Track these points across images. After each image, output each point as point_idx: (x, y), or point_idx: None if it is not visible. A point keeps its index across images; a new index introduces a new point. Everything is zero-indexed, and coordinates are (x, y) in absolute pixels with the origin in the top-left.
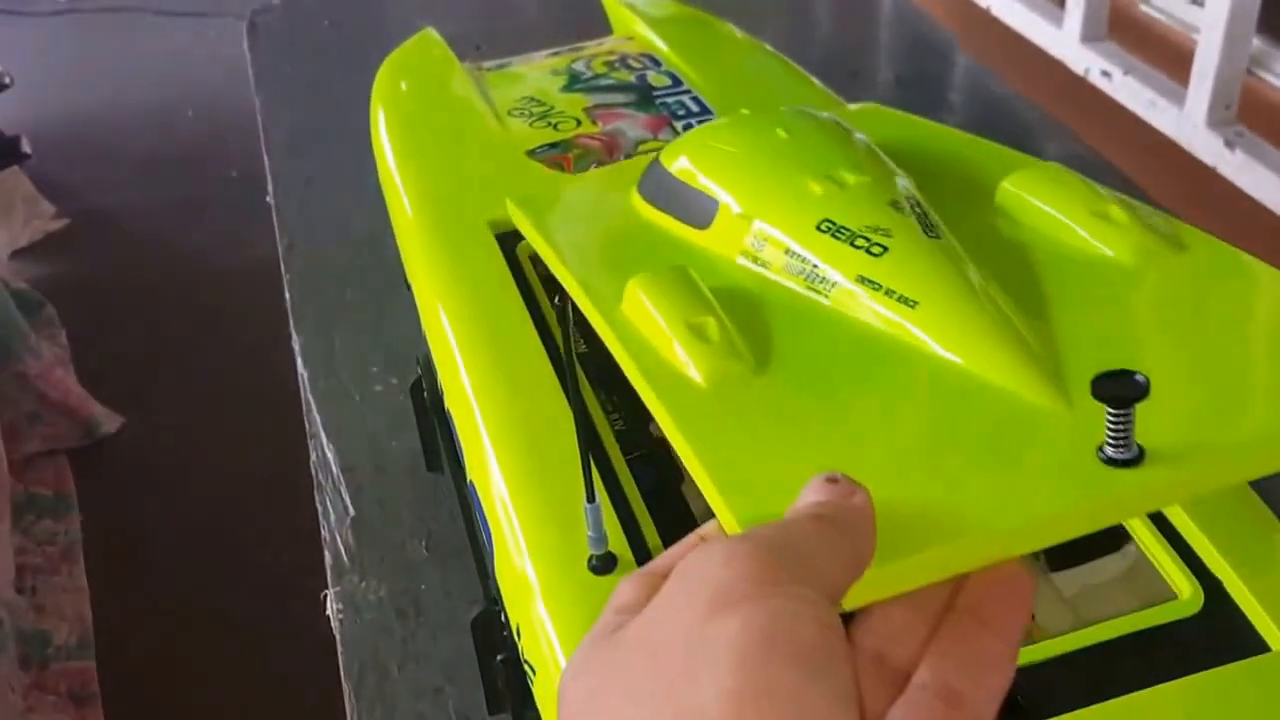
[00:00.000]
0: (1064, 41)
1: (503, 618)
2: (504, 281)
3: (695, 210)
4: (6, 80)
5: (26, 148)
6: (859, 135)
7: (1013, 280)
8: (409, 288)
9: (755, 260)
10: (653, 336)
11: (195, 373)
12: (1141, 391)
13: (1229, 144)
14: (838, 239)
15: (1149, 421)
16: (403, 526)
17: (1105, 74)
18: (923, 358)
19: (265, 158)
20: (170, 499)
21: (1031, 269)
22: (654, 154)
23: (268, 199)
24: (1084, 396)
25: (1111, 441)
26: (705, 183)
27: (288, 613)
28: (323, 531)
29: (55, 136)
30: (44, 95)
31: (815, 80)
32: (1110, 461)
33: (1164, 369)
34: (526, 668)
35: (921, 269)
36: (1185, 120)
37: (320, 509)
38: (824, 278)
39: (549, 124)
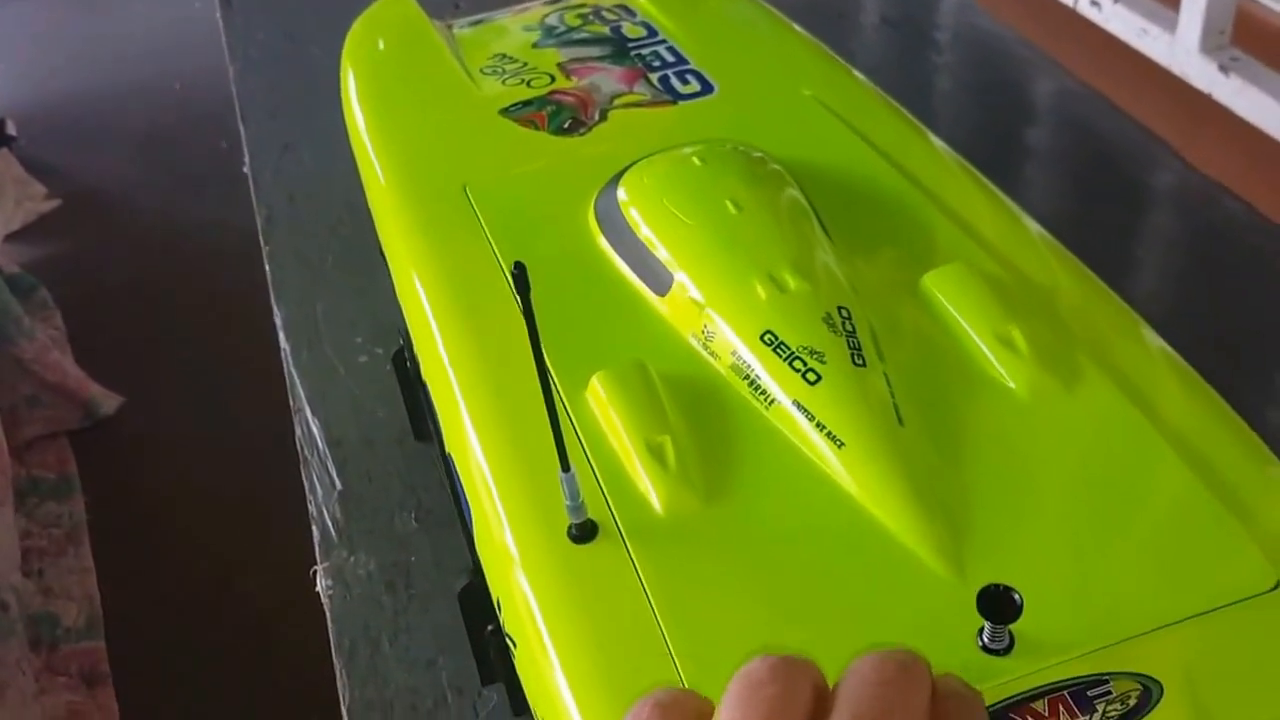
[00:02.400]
0: None
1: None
2: (481, 248)
3: (649, 271)
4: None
5: (12, 130)
6: (801, 200)
7: (926, 407)
8: (383, 256)
9: (706, 348)
10: (615, 440)
11: (193, 349)
12: (1016, 613)
13: (1223, 69)
14: (778, 355)
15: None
16: (391, 498)
17: (1094, 4)
18: (846, 502)
19: (240, 126)
20: (172, 476)
21: (942, 391)
22: (613, 177)
23: (244, 169)
24: (974, 567)
25: (990, 637)
26: (660, 248)
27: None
28: (310, 507)
29: (44, 118)
30: (31, 78)
31: (796, 26)
32: (985, 649)
33: (1037, 550)
34: (508, 641)
35: (849, 408)
36: (1178, 46)
37: (307, 484)
38: (765, 390)
39: (522, 81)
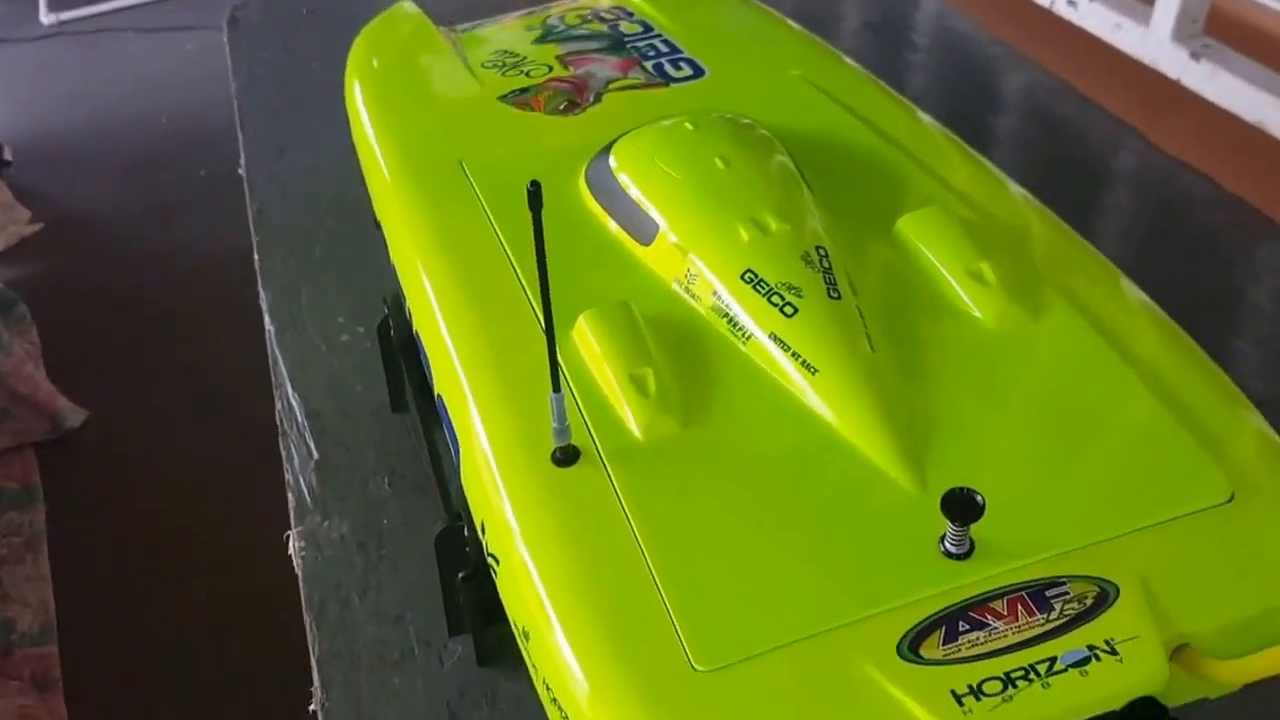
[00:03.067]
0: None
1: (465, 533)
2: (472, 207)
3: (638, 226)
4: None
5: (8, 155)
6: (785, 161)
7: (897, 336)
8: (378, 226)
9: (688, 291)
10: (599, 375)
11: (165, 369)
12: (978, 513)
13: (1195, 55)
14: (757, 292)
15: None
16: (366, 466)
17: (1071, 3)
18: (819, 424)
19: (239, 132)
20: (135, 491)
21: (913, 322)
22: (603, 138)
23: (239, 170)
24: (938, 479)
25: (952, 540)
26: (648, 203)
27: (250, 603)
28: (286, 475)
29: (33, 148)
30: (27, 113)
31: (788, 21)
32: (948, 554)
33: (1001, 462)
34: (491, 561)
35: (823, 337)
36: (1150, 37)
37: (284, 454)
38: (743, 327)
39: (521, 72)
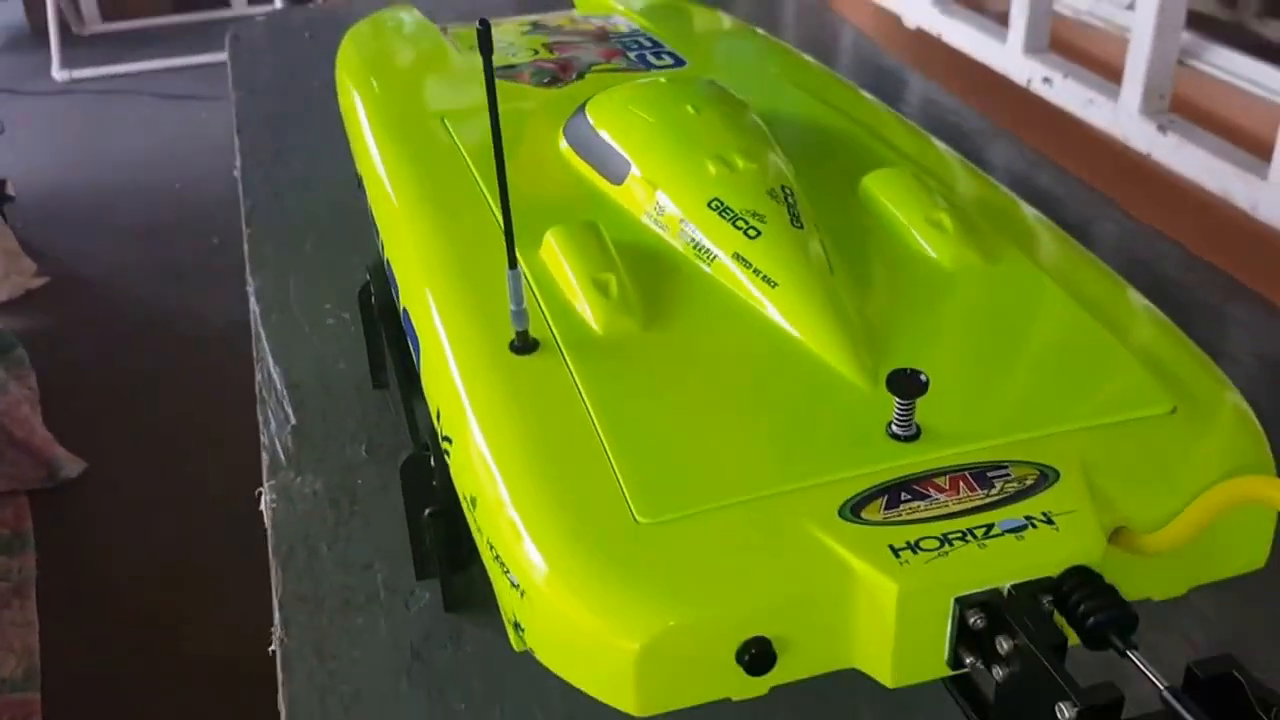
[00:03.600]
0: (1008, 55)
1: (431, 462)
2: (451, 153)
3: (610, 167)
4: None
5: (11, 191)
6: (756, 119)
7: (856, 269)
8: (361, 187)
9: (657, 222)
10: (563, 283)
11: (161, 425)
12: (922, 389)
13: (1162, 129)
14: (723, 218)
15: (931, 407)
16: (344, 433)
17: (1046, 80)
18: (775, 331)
19: (235, 137)
20: (126, 543)
21: (873, 261)
22: (583, 100)
23: (235, 173)
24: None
25: (897, 422)
26: (620, 145)
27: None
28: (262, 438)
29: (45, 206)
30: (36, 166)
31: (788, 46)
32: (894, 436)
33: (950, 365)
34: (445, 443)
35: (785, 256)
36: (1120, 112)
37: (261, 419)
38: (708, 249)
39: (508, 54)
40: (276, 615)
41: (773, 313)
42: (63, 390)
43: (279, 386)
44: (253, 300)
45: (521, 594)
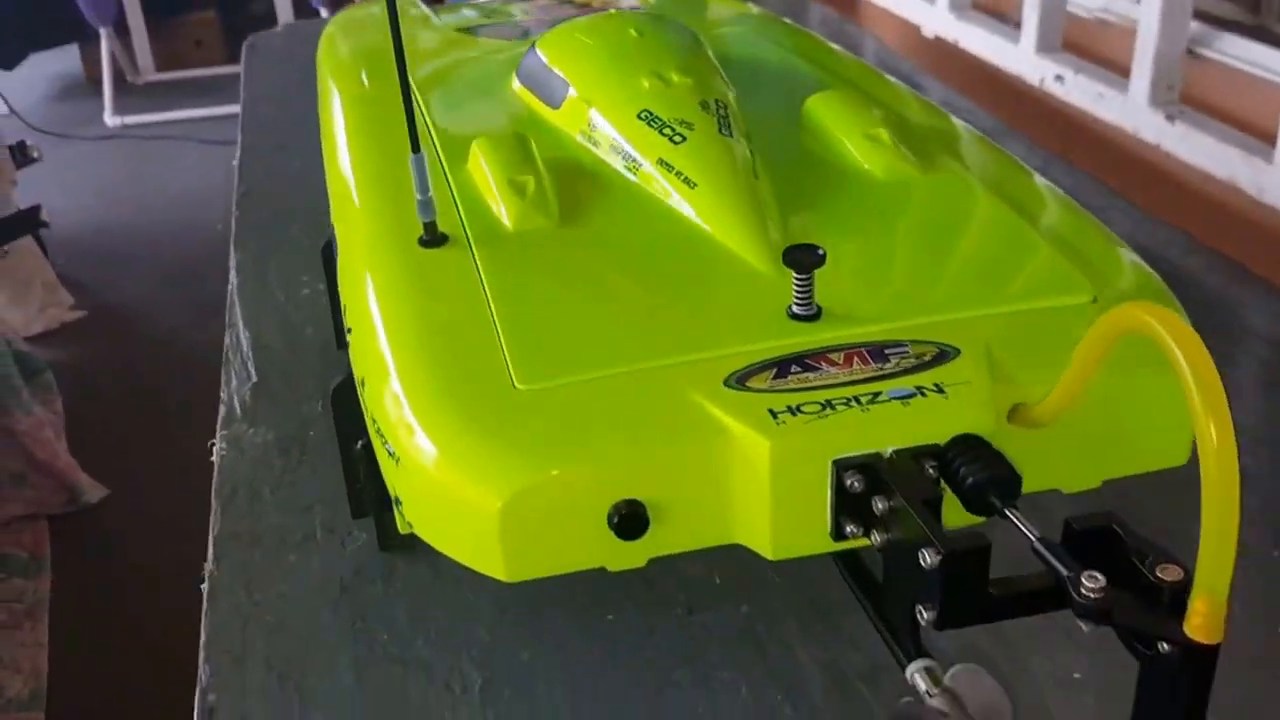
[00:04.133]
0: (1021, 55)
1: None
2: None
3: (551, 91)
4: (35, 155)
5: (45, 217)
6: (704, 48)
7: (789, 179)
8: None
9: (590, 139)
10: (483, 187)
11: (189, 463)
12: (818, 261)
13: (1170, 118)
14: (650, 127)
15: (838, 293)
16: (302, 391)
17: (1059, 78)
18: (690, 228)
19: (239, 134)
20: (144, 574)
21: (807, 172)
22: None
23: (234, 163)
24: None
25: (797, 300)
26: (562, 71)
27: None
28: (221, 394)
29: (86, 242)
30: (83, 207)
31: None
32: (794, 316)
33: (865, 256)
34: (348, 334)
35: (706, 159)
36: (1130, 104)
37: (224, 378)
38: (635, 159)
39: (484, 15)
40: (210, 551)
41: (690, 212)
42: (90, 419)
43: (245, 349)
44: (232, 273)
45: (397, 461)
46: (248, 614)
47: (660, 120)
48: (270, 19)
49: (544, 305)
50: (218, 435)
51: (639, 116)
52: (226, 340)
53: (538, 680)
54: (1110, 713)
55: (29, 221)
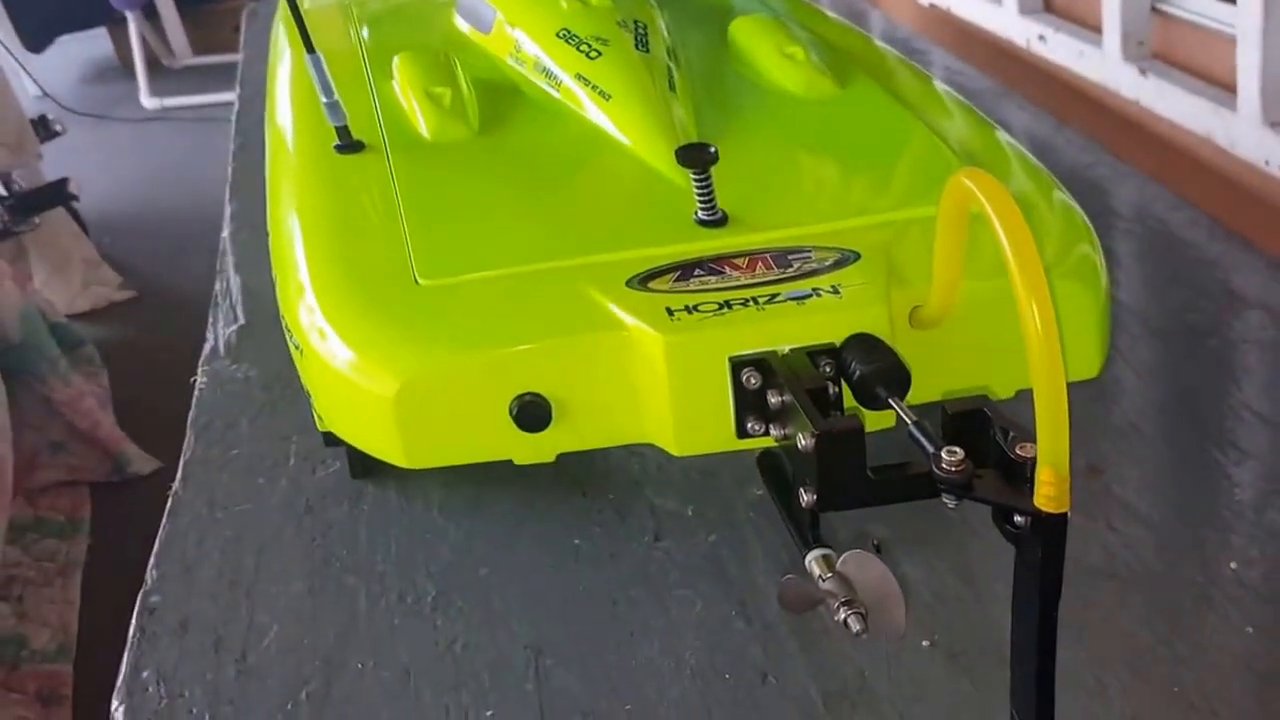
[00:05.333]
0: (1006, 17)
1: None
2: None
3: (482, 19)
4: (59, 129)
5: (74, 189)
6: None
7: (706, 94)
8: None
9: (518, 60)
10: (405, 100)
11: None
12: (711, 159)
13: (1143, 71)
14: (569, 44)
15: (746, 201)
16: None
17: (1041, 38)
18: (605, 139)
19: (237, 88)
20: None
21: (725, 89)
22: None
23: (230, 117)
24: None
25: (700, 203)
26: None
27: None
28: (208, 337)
29: (131, 223)
30: (123, 188)
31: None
32: (701, 222)
33: (773, 165)
34: (267, 238)
35: (621, 73)
36: (1106, 60)
37: (211, 319)
38: (555, 75)
39: None
40: (179, 473)
41: (605, 124)
42: (142, 398)
43: (234, 293)
44: (226, 222)
45: (301, 353)
46: (205, 528)
47: (578, 38)
48: None
49: (454, 209)
50: (199, 371)
51: (558, 35)
52: (217, 286)
53: (492, 594)
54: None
55: (58, 193)
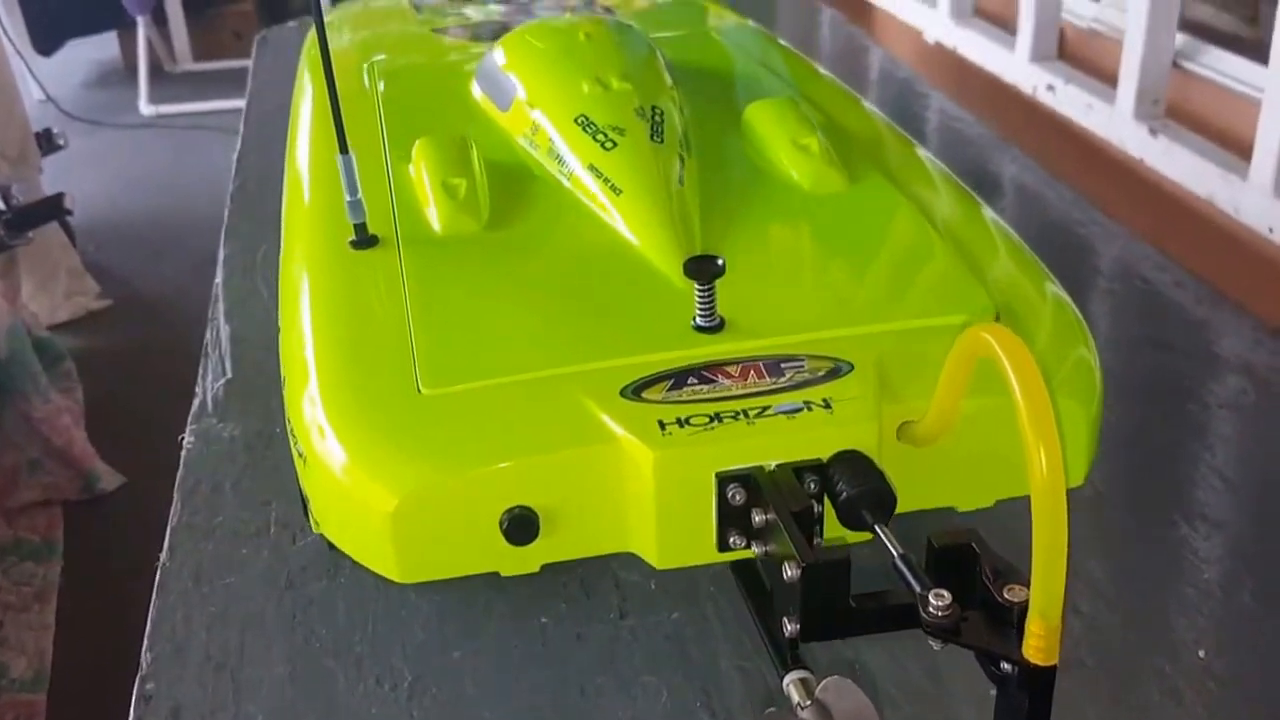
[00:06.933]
0: (1015, 63)
1: None
2: (363, 96)
3: (502, 94)
4: (61, 142)
5: (70, 205)
6: (655, 52)
7: (715, 186)
8: None
9: (531, 142)
10: (420, 189)
11: None
12: (717, 272)
13: (1153, 132)
14: (585, 132)
15: (746, 306)
16: (275, 386)
17: (1050, 87)
18: (611, 235)
19: (241, 126)
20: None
21: (735, 180)
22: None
23: (233, 156)
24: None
25: (700, 311)
26: (513, 73)
27: None
28: (196, 390)
29: (118, 230)
30: (114, 194)
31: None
32: (698, 328)
33: (775, 269)
34: (279, 332)
35: (633, 167)
36: (1116, 116)
37: (200, 372)
38: (569, 163)
39: (461, 15)
40: (166, 541)
41: (614, 218)
42: (110, 408)
43: (224, 343)
44: (219, 267)
45: (304, 460)
46: (192, 604)
47: (595, 126)
48: (307, 12)
49: (459, 310)
50: (187, 430)
51: (575, 121)
52: (207, 335)
53: (465, 679)
54: None
55: (54, 209)
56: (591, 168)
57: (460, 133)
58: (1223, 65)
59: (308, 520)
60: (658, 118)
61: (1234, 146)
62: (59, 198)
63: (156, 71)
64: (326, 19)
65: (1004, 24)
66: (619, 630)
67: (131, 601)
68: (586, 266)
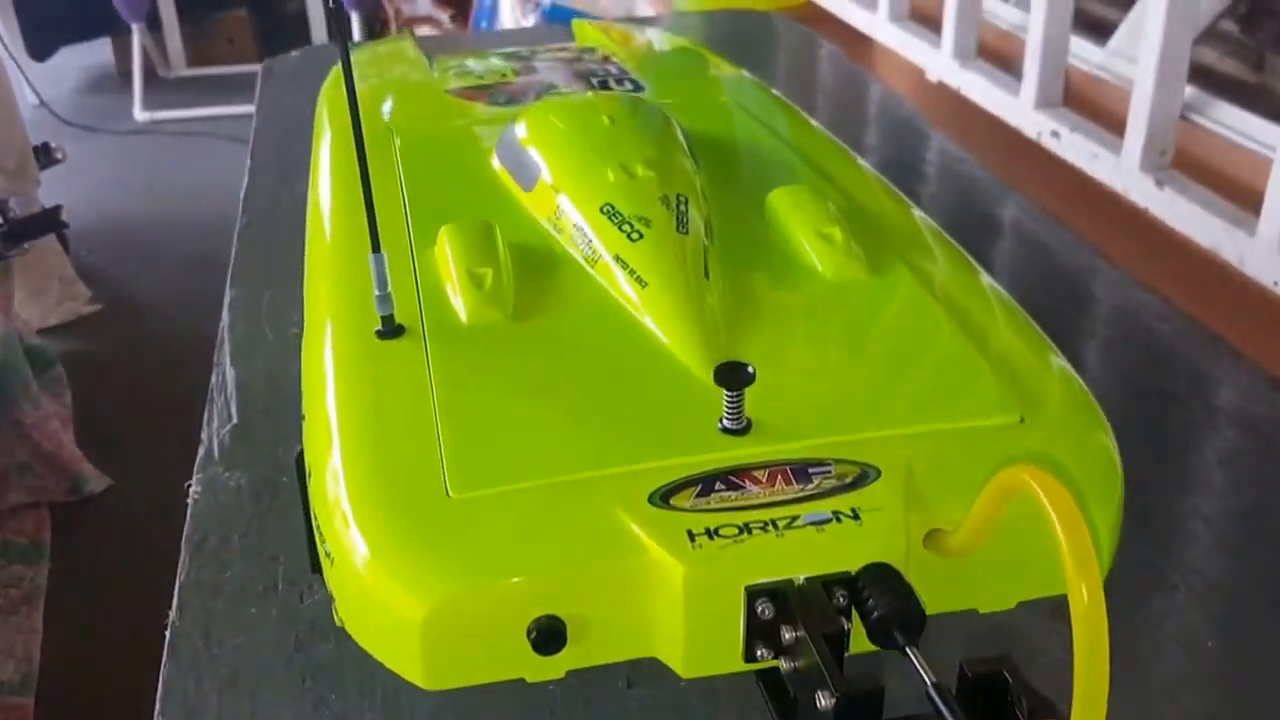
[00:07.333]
0: (1020, 109)
1: None
2: (387, 163)
3: (525, 173)
4: (59, 156)
5: (65, 217)
6: (678, 133)
7: (738, 277)
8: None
9: (555, 226)
10: (445, 276)
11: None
12: (747, 380)
13: (1159, 183)
14: (611, 221)
15: (772, 406)
16: (281, 432)
17: (1055, 134)
18: (637, 329)
19: (248, 159)
20: (141, 565)
21: (758, 271)
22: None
23: (240, 190)
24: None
25: (727, 415)
26: (537, 153)
27: None
28: (202, 435)
29: (110, 235)
30: (108, 200)
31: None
32: (725, 430)
33: (801, 368)
34: (302, 420)
35: (660, 259)
36: (1122, 165)
37: (206, 416)
38: (595, 252)
39: (476, 75)
40: (175, 599)
41: (640, 310)
42: (99, 410)
43: (229, 388)
44: (225, 310)
45: (332, 562)
46: (204, 667)
47: (621, 215)
48: (302, 18)
49: (485, 408)
50: (194, 479)
51: (601, 210)
52: (213, 379)
53: None
54: None
55: (50, 221)
56: (618, 258)
57: (483, 214)
58: (1230, 120)
59: (314, 572)
60: (682, 206)
61: (1239, 198)
62: (56, 210)
63: (150, 77)
64: (334, 69)
65: (1008, 65)
66: (626, 701)
67: (116, 605)
68: (613, 361)
